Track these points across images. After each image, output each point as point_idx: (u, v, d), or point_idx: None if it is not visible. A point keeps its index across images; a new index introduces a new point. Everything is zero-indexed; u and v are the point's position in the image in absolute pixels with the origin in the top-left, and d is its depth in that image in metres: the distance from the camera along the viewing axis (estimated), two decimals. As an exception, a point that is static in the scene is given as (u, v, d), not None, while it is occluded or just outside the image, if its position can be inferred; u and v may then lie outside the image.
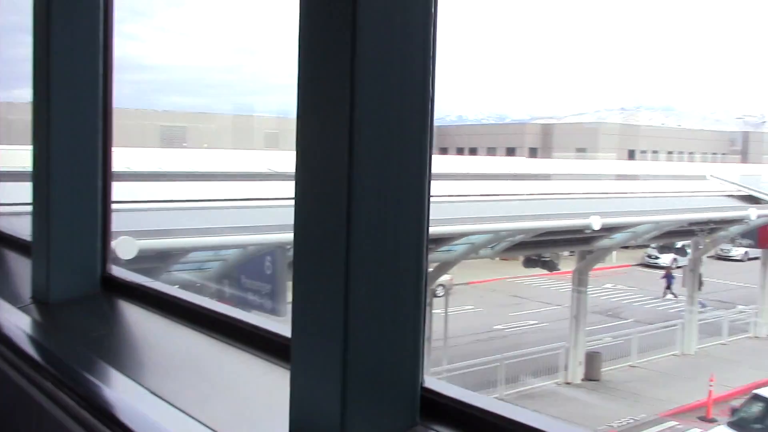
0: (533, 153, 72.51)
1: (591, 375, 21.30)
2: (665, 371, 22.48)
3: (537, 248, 18.44)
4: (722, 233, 22.13)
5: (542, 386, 20.67)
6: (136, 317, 2.40)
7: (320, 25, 1.26)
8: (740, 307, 30.13)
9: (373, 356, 1.29)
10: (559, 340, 25.17)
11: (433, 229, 14.42)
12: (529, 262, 19.72)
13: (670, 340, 24.42)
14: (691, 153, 78.03)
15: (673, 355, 24.06)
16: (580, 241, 19.14)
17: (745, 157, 76.98)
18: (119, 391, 1.81)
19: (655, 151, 75.63)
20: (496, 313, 30.47)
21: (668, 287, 32.91)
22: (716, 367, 22.62)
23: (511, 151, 72.02)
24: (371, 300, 1.30)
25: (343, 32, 1.21)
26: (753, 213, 18.91)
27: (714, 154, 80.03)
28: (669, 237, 21.26)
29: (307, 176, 1.33)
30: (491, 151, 72.53)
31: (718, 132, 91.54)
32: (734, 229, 21.73)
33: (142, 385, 1.77)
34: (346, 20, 1.20)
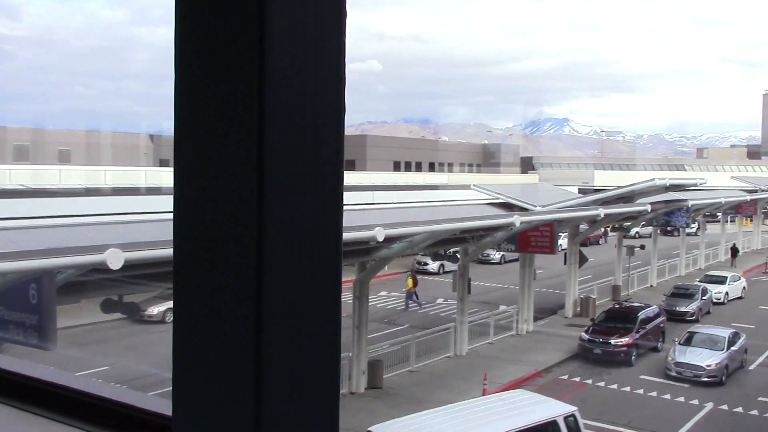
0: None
1: (374, 383, 21.70)
2: (442, 373, 23.52)
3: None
4: (488, 239, 23.61)
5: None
6: None
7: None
8: (502, 307, 32.45)
9: None
10: (343, 348, 25.44)
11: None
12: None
13: (444, 344, 25.60)
14: (450, 164, 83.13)
15: (447, 357, 25.25)
16: (361, 253, 19.45)
17: (493, 167, 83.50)
18: None
19: (418, 163, 79.57)
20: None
21: (409, 299, 34.60)
22: (487, 366, 24.07)
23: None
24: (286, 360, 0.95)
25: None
26: (517, 220, 20.40)
27: (470, 165, 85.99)
28: (442, 245, 22.27)
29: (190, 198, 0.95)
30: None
31: (471, 144, 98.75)
32: (499, 235, 23.28)
33: None
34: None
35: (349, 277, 23.63)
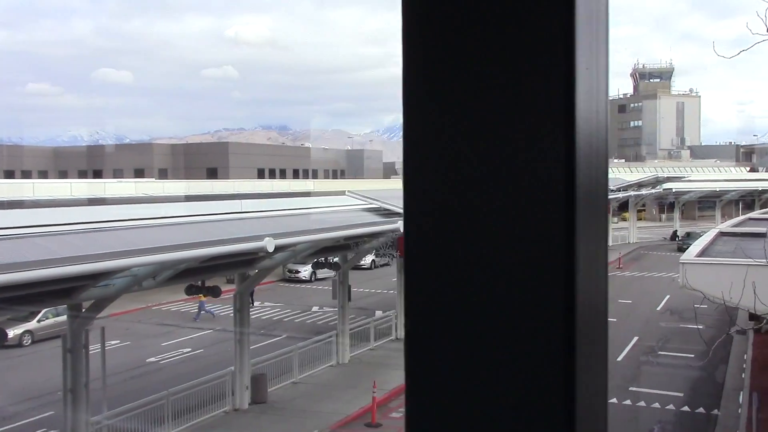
0: (163, 174, 70.63)
1: (258, 398, 20.96)
2: (327, 383, 23.09)
3: (202, 274, 17.57)
4: (368, 245, 23.46)
5: (212, 416, 19.79)
6: None
7: None
8: (378, 312, 32.43)
9: None
10: (217, 364, 24.49)
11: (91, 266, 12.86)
12: (192, 289, 18.75)
13: (326, 352, 25.18)
14: (315, 171, 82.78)
15: (330, 366, 24.85)
16: (242, 264, 18.70)
17: (357, 173, 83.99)
18: None
19: (282, 170, 78.66)
20: (146, 345, 28.69)
21: (199, 311, 33.67)
22: (372, 373, 23.85)
23: (139, 173, 69.19)
24: None
25: None
26: (401, 226, 20.24)
27: (334, 171, 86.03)
28: (324, 252, 21.89)
29: None
30: (117, 173, 68.89)
31: (335, 150, 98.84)
32: (380, 240, 23.17)
33: None
34: None
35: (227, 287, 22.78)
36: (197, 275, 17.49)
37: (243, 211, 26.91)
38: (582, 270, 0.73)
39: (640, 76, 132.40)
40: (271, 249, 14.11)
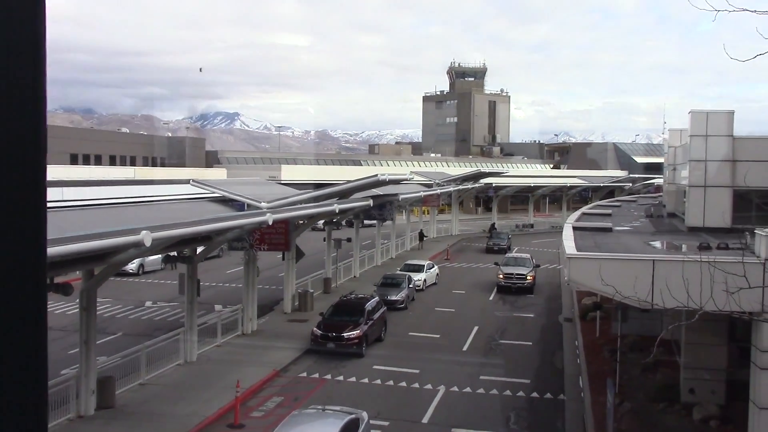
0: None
1: (105, 402, 19.41)
2: (176, 384, 21.84)
3: (51, 271, 15.84)
4: (222, 237, 22.42)
5: (56, 424, 18.06)
6: None
7: None
8: (218, 306, 31.26)
9: None
10: (55, 366, 22.45)
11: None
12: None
13: (172, 350, 23.82)
14: (133, 157, 78.56)
15: (177, 365, 23.55)
16: (92, 259, 17.11)
17: (181, 161, 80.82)
18: None
19: (98, 156, 73.96)
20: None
21: None
22: (223, 370, 22.91)
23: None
24: None
25: None
26: (270, 218, 19.53)
27: (154, 158, 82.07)
28: (180, 245, 20.56)
29: None
30: None
31: (156, 137, 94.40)
32: (236, 232, 22.20)
33: None
34: None
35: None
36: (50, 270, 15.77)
37: (75, 200, 24.84)
38: None
39: (456, 74, 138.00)
40: (148, 243, 12.94)
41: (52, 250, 11.31)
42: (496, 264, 41.79)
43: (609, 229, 21.44)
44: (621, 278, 12.55)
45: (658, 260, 13.46)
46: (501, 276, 38.75)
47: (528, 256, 43.02)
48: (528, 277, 38.59)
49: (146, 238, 12.82)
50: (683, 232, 21.82)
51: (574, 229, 20.13)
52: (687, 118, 22.10)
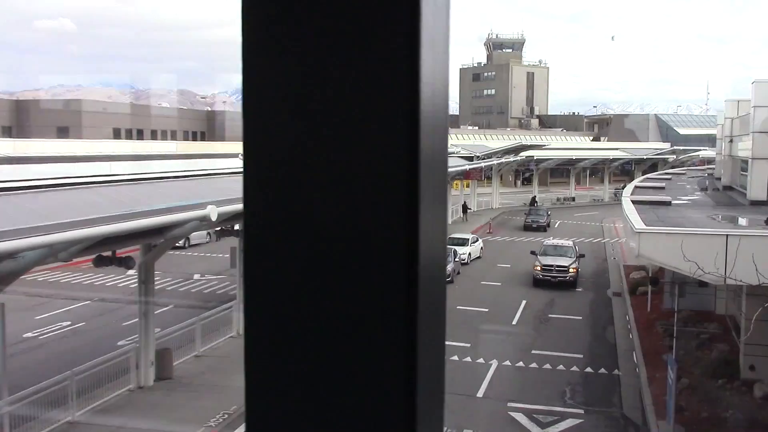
0: (7, 132, 65.04)
1: (163, 374, 19.71)
2: (231, 356, 22.07)
3: (110, 245, 16.02)
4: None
5: (117, 396, 18.40)
6: None
7: None
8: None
9: None
10: (105, 339, 22.88)
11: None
12: (102, 261, 17.06)
13: (224, 323, 24.06)
14: (174, 132, 79.15)
15: (231, 337, 23.80)
16: (151, 233, 17.25)
17: (221, 136, 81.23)
18: None
19: (140, 130, 74.65)
20: (16, 319, 26.27)
21: None
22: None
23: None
24: None
25: None
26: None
27: (194, 133, 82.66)
28: (232, 219, 20.64)
29: None
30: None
31: (195, 111, 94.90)
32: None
33: None
34: None
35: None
36: (104, 246, 15.96)
37: (131, 174, 25.07)
38: (423, 247, 0.73)
39: (493, 46, 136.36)
40: (214, 218, 13.00)
41: (121, 226, 11.40)
42: (532, 253, 36.02)
43: (668, 203, 21.06)
44: (701, 254, 12.27)
45: (743, 235, 13.12)
46: (538, 267, 33.65)
47: (570, 243, 37.07)
48: (570, 270, 33.52)
49: (212, 212, 12.86)
50: (745, 205, 21.34)
51: (633, 202, 19.79)
52: (749, 88, 21.51)
